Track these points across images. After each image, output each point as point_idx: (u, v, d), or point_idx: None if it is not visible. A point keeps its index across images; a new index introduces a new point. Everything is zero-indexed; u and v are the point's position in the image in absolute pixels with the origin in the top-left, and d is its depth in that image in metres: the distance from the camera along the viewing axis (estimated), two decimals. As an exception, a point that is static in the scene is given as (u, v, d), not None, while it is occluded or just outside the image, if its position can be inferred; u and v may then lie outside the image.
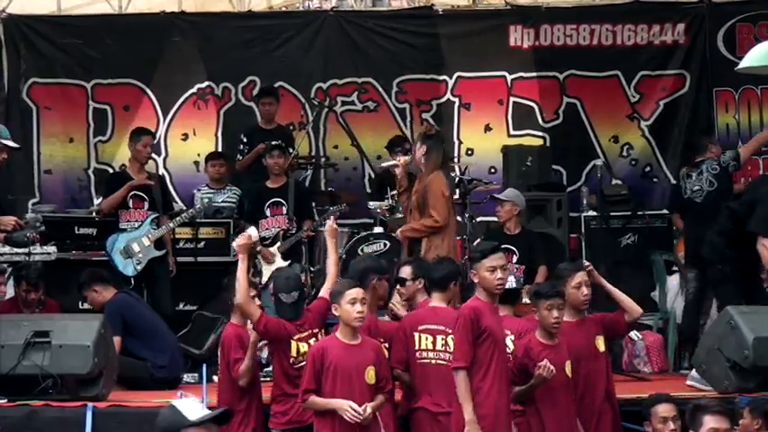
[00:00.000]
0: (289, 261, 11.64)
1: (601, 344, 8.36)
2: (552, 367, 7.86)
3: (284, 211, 11.95)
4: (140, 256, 11.62)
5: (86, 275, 10.97)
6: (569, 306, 8.26)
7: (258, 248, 11.70)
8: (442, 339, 8.19)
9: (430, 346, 8.23)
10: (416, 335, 8.28)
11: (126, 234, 11.70)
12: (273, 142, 12.28)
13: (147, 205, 11.81)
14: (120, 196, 11.78)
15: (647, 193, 12.60)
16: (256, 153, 12.57)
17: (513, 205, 11.43)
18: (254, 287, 9.00)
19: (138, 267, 11.63)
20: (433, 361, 8.23)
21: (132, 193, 11.78)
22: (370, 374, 7.84)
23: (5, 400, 9.05)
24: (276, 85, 13.46)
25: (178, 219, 11.86)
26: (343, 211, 11.86)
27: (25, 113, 13.61)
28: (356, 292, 7.83)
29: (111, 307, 10.54)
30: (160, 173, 13.06)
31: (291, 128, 13.22)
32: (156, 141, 13.44)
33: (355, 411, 7.65)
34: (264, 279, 11.53)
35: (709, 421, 6.57)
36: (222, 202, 12.58)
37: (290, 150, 12.50)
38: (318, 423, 7.86)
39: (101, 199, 13.21)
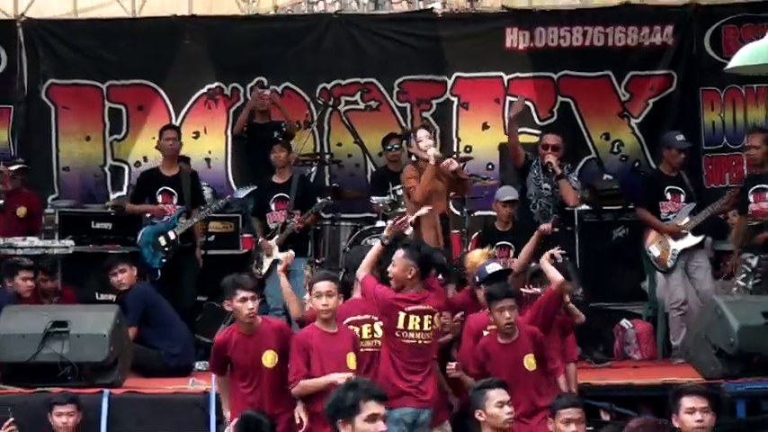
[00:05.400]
0: (283, 252, 11.57)
1: (532, 363, 8.16)
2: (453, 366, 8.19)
3: (287, 206, 11.95)
4: (167, 249, 11.64)
5: (112, 258, 11.02)
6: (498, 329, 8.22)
7: (259, 241, 11.77)
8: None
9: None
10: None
11: (154, 227, 11.74)
12: (276, 134, 12.38)
13: (175, 200, 11.85)
14: (140, 210, 11.94)
15: (636, 187, 12.57)
16: (248, 111, 12.71)
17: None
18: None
19: (164, 260, 11.65)
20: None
21: (162, 188, 11.82)
22: (351, 360, 7.88)
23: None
24: (282, 85, 13.45)
25: (201, 213, 11.86)
26: (329, 204, 11.91)
27: (44, 113, 13.62)
28: (321, 286, 7.89)
29: (136, 296, 10.62)
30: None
31: (297, 127, 13.20)
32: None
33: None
34: (264, 270, 11.57)
35: (687, 401, 6.61)
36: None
37: (281, 139, 12.41)
38: (308, 404, 7.83)
39: (117, 194, 13.31)
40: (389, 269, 8.26)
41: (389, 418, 7.92)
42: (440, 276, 8.85)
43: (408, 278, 8.18)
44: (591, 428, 8.75)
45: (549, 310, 8.61)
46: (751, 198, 11.05)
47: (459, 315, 8.79)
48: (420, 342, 8.17)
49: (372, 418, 5.11)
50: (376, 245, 8.51)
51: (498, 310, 8.10)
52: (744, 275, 10.95)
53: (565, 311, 8.83)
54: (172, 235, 11.65)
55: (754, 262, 10.92)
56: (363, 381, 5.40)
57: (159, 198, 11.87)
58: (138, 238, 11.78)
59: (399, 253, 8.24)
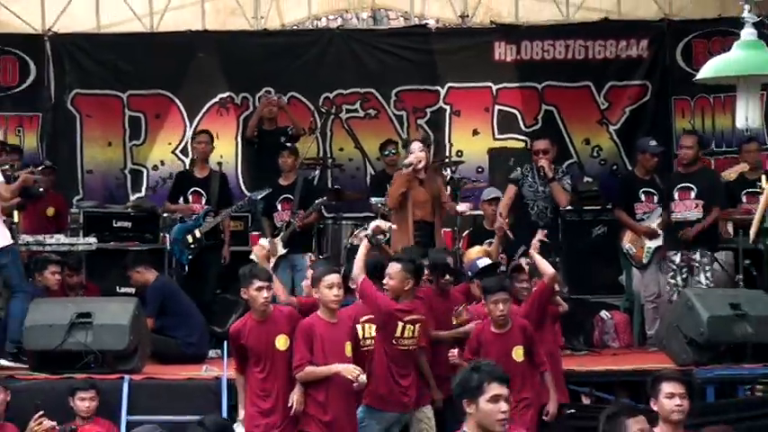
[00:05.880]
0: (287, 249, 11.58)
1: (520, 354, 8.18)
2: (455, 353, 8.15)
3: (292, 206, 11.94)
4: (193, 246, 11.66)
5: (131, 258, 11.08)
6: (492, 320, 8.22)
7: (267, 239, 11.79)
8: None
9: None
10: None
11: (183, 225, 11.79)
12: (283, 139, 12.41)
13: (204, 200, 11.88)
14: (174, 210, 12.05)
15: (614, 189, 12.59)
16: (258, 116, 12.71)
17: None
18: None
19: (191, 256, 11.67)
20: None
21: (192, 188, 11.90)
22: (348, 349, 7.88)
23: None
24: (288, 94, 13.40)
25: (224, 212, 11.86)
26: (328, 204, 11.94)
27: (70, 120, 13.61)
28: (334, 278, 7.86)
29: (155, 289, 10.65)
30: (180, 170, 13.04)
31: (302, 132, 13.16)
32: (183, 144, 13.55)
33: (358, 372, 7.68)
34: (270, 266, 11.54)
35: (666, 387, 6.59)
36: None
37: (288, 144, 12.40)
38: (310, 390, 7.83)
39: (136, 195, 13.32)
40: (386, 281, 8.19)
41: (378, 418, 8.00)
42: (446, 276, 8.79)
43: (405, 290, 8.18)
44: (573, 410, 8.81)
45: (542, 301, 8.63)
46: (675, 195, 11.00)
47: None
48: (410, 348, 8.21)
49: (495, 398, 5.08)
50: (364, 245, 8.36)
51: (493, 303, 8.11)
52: (671, 273, 10.93)
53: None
54: (198, 233, 11.69)
55: (677, 259, 10.90)
56: (487, 363, 5.33)
57: (190, 197, 11.97)
58: (170, 234, 11.89)
59: (396, 266, 8.20)
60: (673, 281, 10.90)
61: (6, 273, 9.88)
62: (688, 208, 10.92)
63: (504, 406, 5.09)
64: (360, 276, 8.16)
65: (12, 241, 10.00)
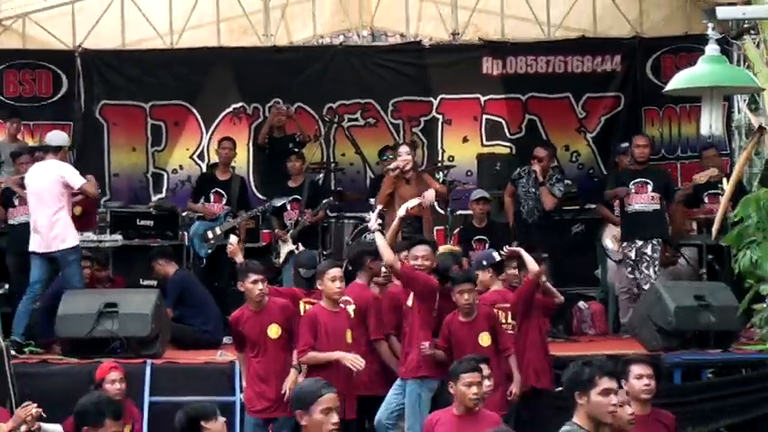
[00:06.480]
0: (296, 244, 11.61)
1: (486, 339, 8.14)
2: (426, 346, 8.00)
3: (300, 206, 11.95)
4: (212, 242, 11.66)
5: (155, 251, 11.13)
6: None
7: (275, 231, 11.79)
8: None
9: None
10: None
11: (205, 223, 11.80)
12: (291, 145, 12.43)
13: (224, 200, 11.87)
14: (196, 209, 12.03)
15: (590, 190, 12.60)
16: (269, 125, 12.69)
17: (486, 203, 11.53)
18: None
19: (209, 251, 11.67)
20: None
21: (214, 189, 11.91)
22: (349, 336, 7.93)
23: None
24: (295, 105, 13.37)
25: (244, 215, 11.86)
26: (333, 204, 11.92)
27: (98, 129, 13.59)
28: (336, 271, 7.88)
29: (174, 282, 10.69)
30: (203, 173, 13.03)
31: (308, 139, 13.16)
32: (200, 150, 13.54)
33: (357, 361, 7.68)
34: (281, 259, 11.59)
35: (636, 368, 6.60)
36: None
37: (296, 150, 12.40)
38: (315, 375, 7.78)
39: (157, 196, 13.32)
40: (420, 262, 8.23)
41: (426, 387, 7.96)
42: (448, 283, 8.53)
43: (432, 268, 8.28)
44: (559, 389, 8.80)
45: (528, 295, 8.63)
46: (632, 189, 10.99)
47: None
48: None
49: (606, 392, 4.96)
50: (378, 236, 8.30)
51: (459, 293, 8.09)
52: (629, 268, 10.96)
53: (544, 293, 8.81)
54: (218, 230, 11.70)
55: (632, 254, 10.91)
56: (598, 359, 5.22)
57: (211, 197, 11.96)
58: (191, 230, 11.88)
59: (426, 248, 8.36)
60: (631, 276, 10.93)
61: (70, 271, 9.88)
62: (645, 200, 10.94)
63: (614, 399, 4.96)
64: (397, 262, 8.17)
65: (78, 242, 10.04)
